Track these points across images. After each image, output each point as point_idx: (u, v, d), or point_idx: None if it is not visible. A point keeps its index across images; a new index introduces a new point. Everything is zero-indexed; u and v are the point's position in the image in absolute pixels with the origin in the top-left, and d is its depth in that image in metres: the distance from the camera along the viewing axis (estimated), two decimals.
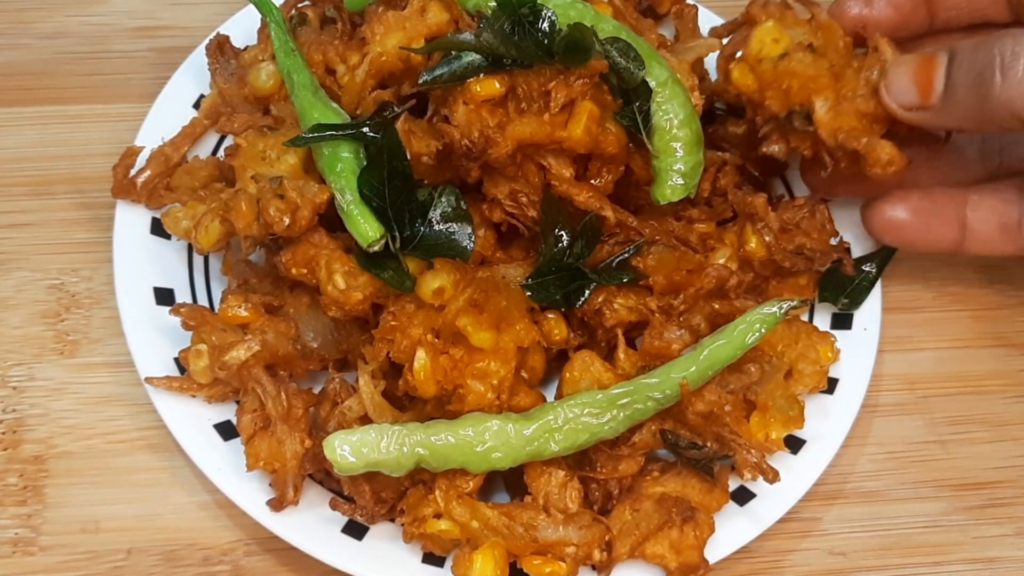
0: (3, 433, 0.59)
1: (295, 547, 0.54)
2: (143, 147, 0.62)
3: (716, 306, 0.58)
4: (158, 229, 0.61)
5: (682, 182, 0.55)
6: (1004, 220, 0.59)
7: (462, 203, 0.54)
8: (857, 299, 0.62)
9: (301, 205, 0.53)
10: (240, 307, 0.56)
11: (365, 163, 0.54)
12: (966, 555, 0.60)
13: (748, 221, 0.60)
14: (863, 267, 0.62)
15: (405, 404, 0.56)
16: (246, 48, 0.63)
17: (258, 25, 0.64)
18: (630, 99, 0.54)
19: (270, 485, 0.54)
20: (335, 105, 0.57)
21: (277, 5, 0.61)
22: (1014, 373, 0.65)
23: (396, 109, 0.55)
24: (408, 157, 0.53)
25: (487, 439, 0.52)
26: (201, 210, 0.56)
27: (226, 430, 0.56)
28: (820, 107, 0.54)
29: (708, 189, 0.60)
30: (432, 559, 0.55)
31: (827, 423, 0.59)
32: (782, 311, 0.55)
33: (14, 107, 0.69)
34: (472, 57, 0.53)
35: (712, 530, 0.54)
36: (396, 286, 0.53)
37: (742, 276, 0.58)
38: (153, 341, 0.58)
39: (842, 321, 0.62)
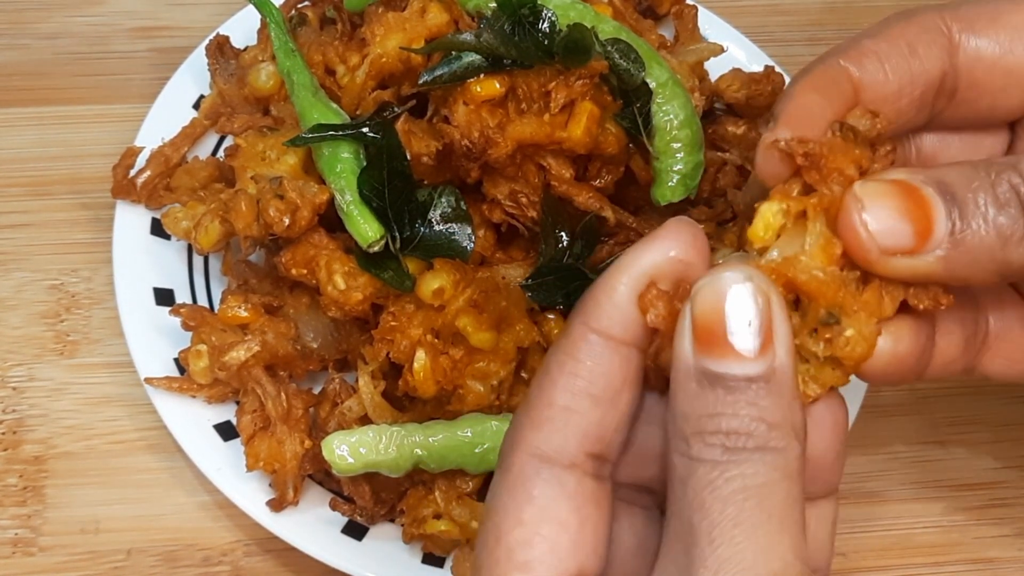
0: (3, 433, 0.59)
1: (295, 547, 0.54)
2: (143, 147, 0.62)
3: None
4: (158, 229, 0.61)
5: (682, 183, 0.55)
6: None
7: (462, 203, 0.54)
8: None
9: (301, 205, 0.53)
10: (240, 307, 0.56)
11: (365, 163, 0.54)
12: (966, 555, 0.60)
13: (747, 221, 0.60)
14: None
15: (405, 404, 0.56)
16: (246, 49, 0.63)
17: (258, 26, 0.64)
18: (630, 100, 0.54)
19: (270, 485, 0.54)
20: (335, 106, 0.57)
21: (277, 6, 0.61)
22: None
23: (396, 110, 0.55)
24: (408, 157, 0.53)
25: (486, 440, 0.52)
26: (201, 210, 0.56)
27: (226, 431, 0.56)
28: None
29: (708, 189, 0.60)
30: (432, 559, 0.55)
31: None
32: None
33: (13, 107, 0.69)
34: (472, 58, 0.53)
35: None
36: (396, 286, 0.53)
37: None
38: (153, 341, 0.58)
39: None
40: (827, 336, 0.32)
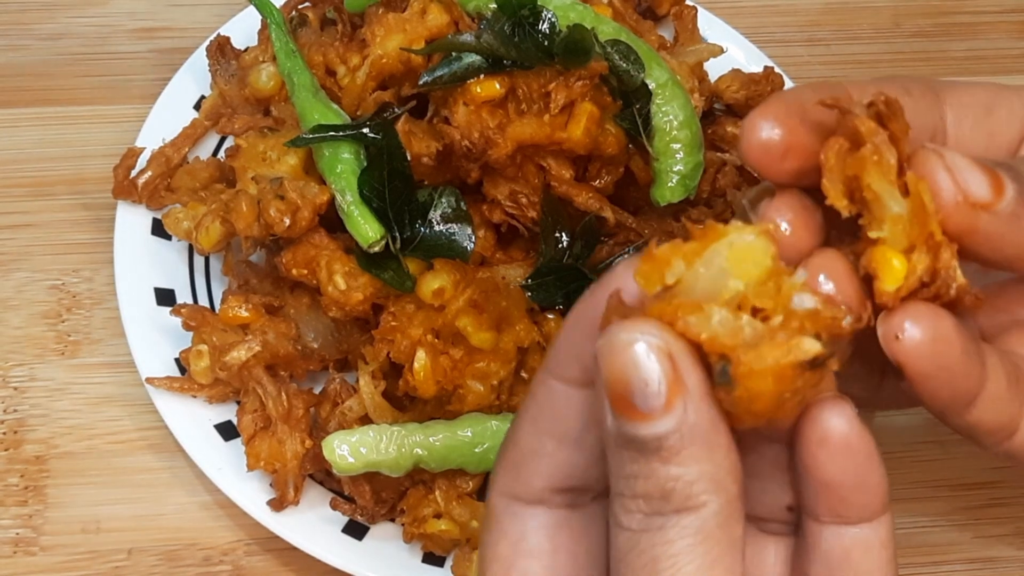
0: (4, 433, 0.59)
1: (295, 547, 0.54)
2: (144, 148, 0.62)
3: None
4: (159, 230, 0.61)
5: (682, 183, 0.55)
6: (1008, 369, 0.36)
7: (462, 204, 0.54)
8: None
9: (301, 206, 0.53)
10: (241, 308, 0.56)
11: (365, 164, 0.54)
12: (966, 555, 0.60)
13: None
14: None
15: (405, 404, 0.56)
16: (247, 49, 0.63)
17: (259, 26, 0.64)
18: (630, 101, 0.54)
19: (271, 485, 0.54)
20: (335, 106, 0.57)
21: (278, 7, 0.61)
22: None
23: (396, 110, 0.55)
24: (408, 158, 0.53)
25: (486, 440, 0.52)
26: (202, 211, 0.57)
27: (227, 430, 0.56)
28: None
29: (708, 189, 0.60)
30: (432, 559, 0.55)
31: None
32: None
33: (14, 108, 0.69)
34: (472, 58, 0.53)
35: None
36: (396, 287, 0.53)
37: None
38: (154, 342, 0.58)
39: None
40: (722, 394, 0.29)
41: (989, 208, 0.32)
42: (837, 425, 0.30)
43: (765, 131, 0.32)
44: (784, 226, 0.32)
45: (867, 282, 0.31)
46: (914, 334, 0.30)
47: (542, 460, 0.32)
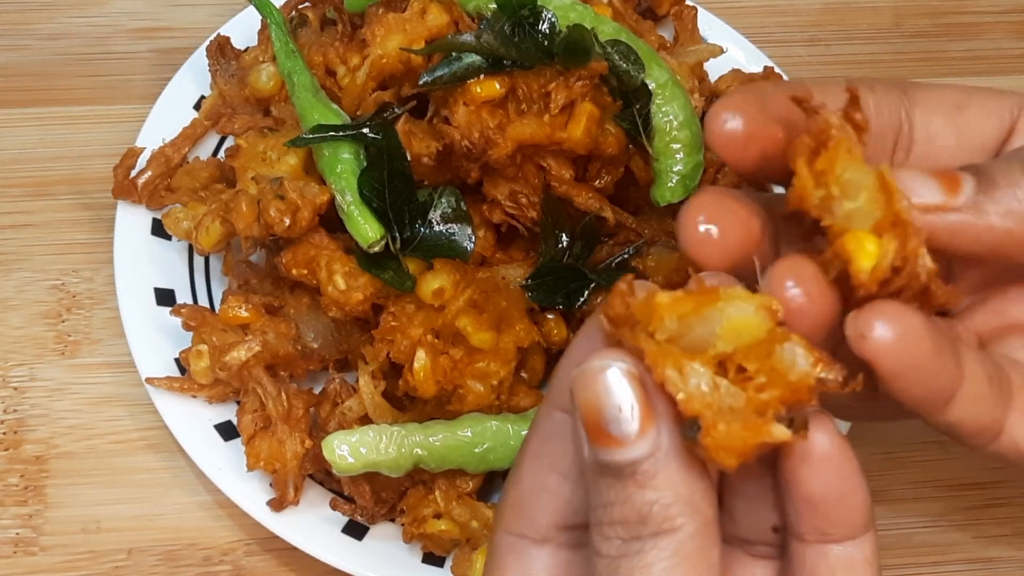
0: (4, 433, 0.59)
1: (296, 547, 0.54)
2: (144, 148, 0.62)
3: None
4: (159, 230, 0.61)
5: (682, 183, 0.55)
6: (989, 370, 0.35)
7: (462, 204, 0.54)
8: None
9: (301, 206, 0.53)
10: (241, 308, 0.56)
11: (365, 164, 0.54)
12: (966, 555, 0.60)
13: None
14: None
15: (405, 404, 0.56)
16: (247, 49, 0.63)
17: (259, 26, 0.64)
18: (630, 101, 0.54)
19: (270, 485, 0.54)
20: (335, 106, 0.57)
21: (278, 7, 0.61)
22: None
23: (396, 110, 0.55)
24: (408, 158, 0.53)
25: (486, 440, 0.52)
26: (202, 211, 0.57)
27: (227, 430, 0.56)
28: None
29: None
30: (432, 559, 0.55)
31: None
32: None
33: (15, 108, 0.69)
34: (472, 58, 0.53)
35: None
36: (396, 287, 0.53)
37: None
38: (154, 342, 0.58)
39: None
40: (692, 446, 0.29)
41: (945, 208, 0.33)
42: (818, 440, 0.30)
43: (729, 122, 0.33)
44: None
45: (840, 283, 0.31)
46: (882, 332, 0.30)
47: (546, 497, 0.32)
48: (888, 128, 0.37)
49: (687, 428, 0.29)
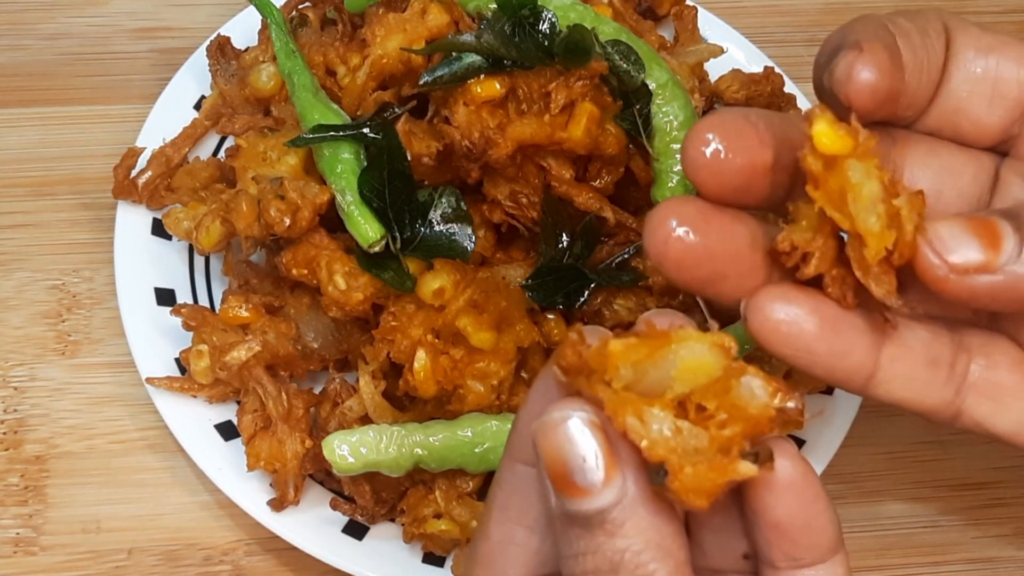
0: (4, 433, 0.59)
1: (296, 547, 0.54)
2: (144, 148, 0.62)
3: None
4: (159, 230, 0.61)
5: (682, 183, 0.55)
6: (934, 355, 0.36)
7: (462, 204, 0.54)
8: None
9: (302, 206, 0.53)
10: (241, 308, 0.56)
11: (365, 164, 0.54)
12: (966, 555, 0.60)
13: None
14: None
15: (405, 404, 0.56)
16: (247, 49, 0.63)
17: (259, 26, 0.64)
18: (630, 101, 0.54)
19: (271, 485, 0.54)
20: (336, 106, 0.57)
21: (278, 7, 0.62)
22: None
23: (397, 110, 0.55)
24: (408, 158, 0.53)
25: (486, 440, 0.52)
26: (202, 211, 0.57)
27: (227, 430, 0.56)
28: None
29: None
30: (432, 559, 0.55)
31: (826, 423, 0.59)
32: None
33: (15, 108, 0.70)
34: (472, 58, 0.53)
35: None
36: (396, 287, 0.53)
37: None
38: (154, 341, 0.58)
39: None
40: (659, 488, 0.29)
41: (987, 268, 0.32)
42: (781, 468, 0.30)
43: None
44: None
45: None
46: (764, 317, 0.32)
47: (514, 549, 0.32)
48: (926, 66, 0.37)
49: (654, 474, 0.29)
